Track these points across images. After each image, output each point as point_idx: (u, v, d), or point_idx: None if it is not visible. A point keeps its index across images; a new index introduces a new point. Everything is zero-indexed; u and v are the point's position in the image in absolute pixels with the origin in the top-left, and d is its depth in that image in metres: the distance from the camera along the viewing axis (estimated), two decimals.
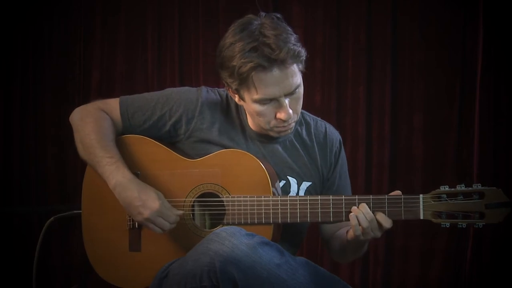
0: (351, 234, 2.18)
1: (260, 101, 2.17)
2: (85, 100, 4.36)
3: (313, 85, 4.12)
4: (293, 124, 2.26)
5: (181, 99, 2.33)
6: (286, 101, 2.18)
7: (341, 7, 4.11)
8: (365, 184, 4.01)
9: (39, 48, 4.43)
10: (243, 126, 2.34)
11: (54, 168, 4.38)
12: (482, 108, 3.85)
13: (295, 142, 2.37)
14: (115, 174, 2.24)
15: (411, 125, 4.02)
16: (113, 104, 2.38)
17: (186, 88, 2.39)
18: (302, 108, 2.44)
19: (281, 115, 2.19)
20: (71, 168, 4.30)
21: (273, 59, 2.10)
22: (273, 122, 2.22)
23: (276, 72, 2.12)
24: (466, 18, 3.90)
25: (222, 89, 2.37)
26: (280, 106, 2.18)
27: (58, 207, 4.13)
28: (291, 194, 2.31)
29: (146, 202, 2.19)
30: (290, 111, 2.19)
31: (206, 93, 2.35)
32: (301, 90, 2.21)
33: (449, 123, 3.96)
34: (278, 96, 2.16)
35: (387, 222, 2.14)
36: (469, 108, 3.90)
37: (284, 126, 2.23)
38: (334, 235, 2.39)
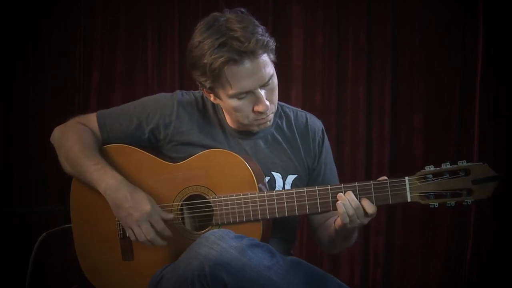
0: (338, 222, 2.16)
1: (236, 96, 2.16)
2: (85, 100, 4.42)
3: (313, 85, 4.13)
4: (272, 115, 2.24)
5: (156, 105, 2.32)
6: (262, 92, 2.17)
7: (341, 7, 4.10)
8: None
9: (39, 48, 4.44)
10: (222, 125, 2.33)
11: (54, 168, 4.33)
12: (482, 108, 3.84)
13: (277, 136, 2.35)
14: (104, 178, 2.23)
15: (411, 125, 4.01)
16: (91, 118, 2.37)
17: (161, 94, 2.39)
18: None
19: (258, 108, 2.18)
20: None
21: (243, 52, 2.09)
22: (251, 116, 2.21)
23: (247, 64, 2.11)
24: (466, 18, 3.90)
25: (197, 91, 2.37)
26: (256, 98, 2.17)
27: (58, 207, 4.13)
28: (277, 189, 2.29)
29: (137, 204, 2.18)
30: (267, 102, 2.18)
31: (181, 96, 2.34)
32: (275, 80, 2.20)
33: (449, 123, 3.95)
34: (253, 89, 2.15)
35: (370, 208, 2.09)
36: (469, 108, 3.89)
37: (263, 118, 2.22)
38: (322, 224, 2.37)
